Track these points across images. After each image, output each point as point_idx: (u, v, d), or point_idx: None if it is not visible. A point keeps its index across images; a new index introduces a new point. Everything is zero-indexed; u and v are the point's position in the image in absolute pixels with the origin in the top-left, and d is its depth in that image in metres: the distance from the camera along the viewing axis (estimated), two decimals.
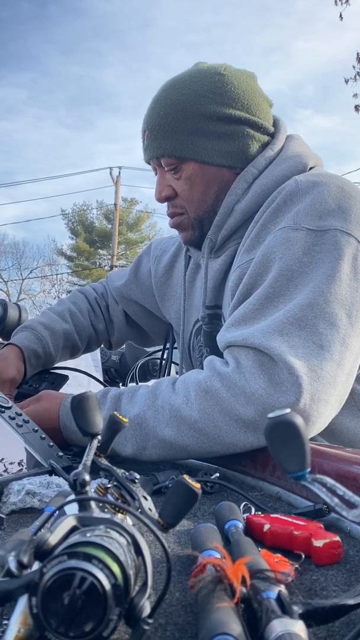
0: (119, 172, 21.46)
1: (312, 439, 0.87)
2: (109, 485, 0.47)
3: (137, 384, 1.54)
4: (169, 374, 1.40)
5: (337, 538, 0.49)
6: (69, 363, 1.37)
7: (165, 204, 1.07)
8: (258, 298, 0.85)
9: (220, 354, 0.88)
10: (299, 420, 0.38)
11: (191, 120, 0.97)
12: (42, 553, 0.32)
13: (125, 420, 0.54)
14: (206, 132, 0.98)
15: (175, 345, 1.48)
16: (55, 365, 1.32)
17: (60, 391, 1.23)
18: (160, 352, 1.53)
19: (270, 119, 1.04)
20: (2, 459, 0.73)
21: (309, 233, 0.85)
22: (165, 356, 1.44)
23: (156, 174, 1.07)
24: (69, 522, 0.35)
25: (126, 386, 1.50)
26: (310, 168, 1.00)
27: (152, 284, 1.31)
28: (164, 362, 1.44)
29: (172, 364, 1.43)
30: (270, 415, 0.38)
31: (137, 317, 1.39)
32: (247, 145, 1.00)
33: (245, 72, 1.04)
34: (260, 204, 0.97)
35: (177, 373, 1.36)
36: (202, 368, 1.03)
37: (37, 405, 0.92)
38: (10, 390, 1.09)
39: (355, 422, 0.96)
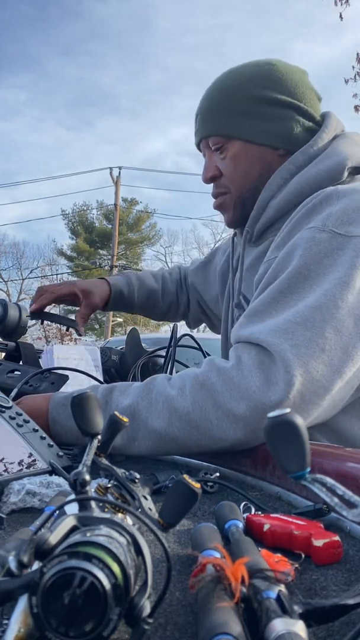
0: (119, 172, 21.47)
1: (313, 439, 0.87)
2: (109, 485, 0.47)
3: None
4: (171, 372, 1.41)
5: (337, 538, 0.49)
6: (69, 363, 1.37)
7: (211, 186, 1.12)
8: (272, 292, 0.86)
9: None
10: (299, 420, 0.38)
11: (237, 102, 1.03)
12: (42, 553, 0.32)
13: (125, 420, 0.54)
14: (251, 113, 1.02)
15: (181, 342, 1.51)
16: (56, 366, 1.32)
17: (59, 391, 1.23)
18: (159, 351, 1.53)
19: (317, 110, 1.07)
20: (2, 459, 0.73)
21: (335, 236, 0.85)
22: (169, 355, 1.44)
23: (205, 157, 1.11)
24: (69, 522, 0.35)
25: None
26: (352, 168, 0.98)
27: (217, 275, 1.39)
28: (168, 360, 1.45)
29: (173, 363, 1.43)
30: (270, 415, 0.38)
31: (199, 305, 1.51)
32: (290, 128, 1.03)
33: (296, 67, 1.08)
34: (294, 202, 0.98)
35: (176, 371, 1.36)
36: None
37: (26, 402, 0.93)
38: (89, 312, 1.31)
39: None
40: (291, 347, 0.77)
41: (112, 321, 21.29)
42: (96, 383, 1.36)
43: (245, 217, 1.09)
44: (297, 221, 0.93)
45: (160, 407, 0.82)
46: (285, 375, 0.76)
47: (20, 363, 1.37)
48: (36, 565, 0.32)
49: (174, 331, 1.37)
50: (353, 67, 9.62)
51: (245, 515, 0.57)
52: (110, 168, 21.48)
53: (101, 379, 1.64)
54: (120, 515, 0.41)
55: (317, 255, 0.84)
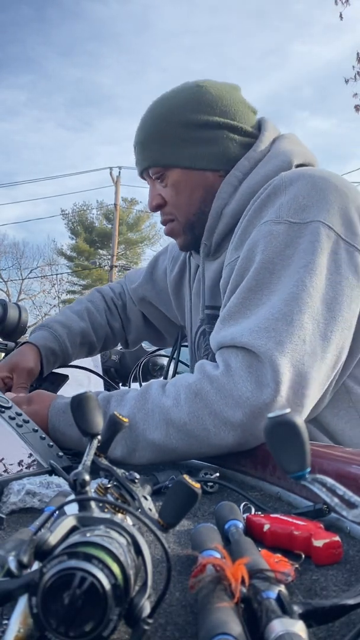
0: (119, 172, 21.47)
1: (311, 436, 0.87)
2: (109, 485, 0.47)
3: (140, 384, 1.54)
4: (174, 373, 1.41)
5: (337, 538, 0.49)
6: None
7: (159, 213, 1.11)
8: (241, 292, 0.86)
9: None
10: (299, 420, 0.38)
11: (172, 130, 1.02)
12: (42, 553, 0.32)
13: (126, 420, 0.54)
14: (187, 139, 1.02)
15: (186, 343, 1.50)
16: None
17: (60, 391, 1.23)
18: (160, 353, 1.53)
19: (252, 123, 1.07)
20: (2, 459, 0.73)
21: (291, 226, 0.87)
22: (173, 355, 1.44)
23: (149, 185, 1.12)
24: (69, 522, 0.35)
25: (128, 387, 1.51)
26: (298, 165, 1.00)
27: (167, 282, 1.33)
28: (173, 360, 1.45)
29: (178, 363, 1.43)
30: (270, 415, 0.38)
31: (153, 317, 1.42)
32: (227, 148, 1.03)
33: (227, 84, 1.08)
34: (247, 206, 0.98)
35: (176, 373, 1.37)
36: None
37: (27, 409, 0.92)
38: (27, 380, 1.14)
39: (351, 425, 0.96)
40: (276, 345, 0.78)
41: None
42: (102, 385, 1.37)
43: (198, 238, 1.09)
44: (250, 217, 0.94)
45: (156, 418, 0.82)
46: (274, 374, 0.76)
47: None
48: (36, 565, 0.32)
49: (180, 333, 1.37)
50: (353, 66, 9.62)
51: (245, 515, 0.57)
52: (110, 168, 21.49)
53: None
54: (120, 515, 0.41)
55: (278, 247, 0.86)
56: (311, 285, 0.82)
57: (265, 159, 1.01)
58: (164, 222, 1.12)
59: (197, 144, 1.02)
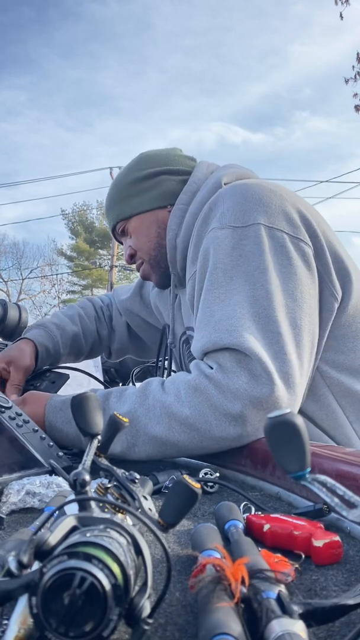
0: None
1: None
2: (109, 485, 0.47)
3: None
4: (170, 372, 1.42)
5: (337, 538, 0.49)
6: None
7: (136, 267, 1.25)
8: (203, 296, 0.93)
9: None
10: (298, 420, 0.38)
11: (123, 191, 1.22)
12: (42, 553, 0.32)
13: (126, 420, 0.54)
14: (135, 192, 1.20)
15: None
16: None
17: (60, 391, 1.23)
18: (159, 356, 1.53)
19: (191, 166, 1.21)
20: (2, 458, 0.73)
21: (235, 230, 0.94)
22: (164, 357, 1.45)
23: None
24: (69, 522, 0.35)
25: None
26: (229, 183, 1.08)
27: (150, 305, 1.42)
28: (161, 361, 1.46)
29: (167, 362, 1.44)
30: (270, 415, 0.38)
31: (139, 329, 1.49)
32: (166, 187, 1.19)
33: (166, 148, 1.28)
34: None
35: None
36: None
37: (23, 410, 0.91)
38: (23, 377, 1.17)
39: (332, 409, 0.99)
40: (255, 340, 0.82)
41: None
42: (101, 386, 1.38)
43: (167, 272, 1.20)
44: (198, 231, 1.04)
45: (158, 413, 0.84)
46: (263, 366, 0.80)
47: None
48: (36, 565, 0.32)
49: (167, 331, 1.37)
50: (353, 67, 9.62)
51: (245, 515, 0.57)
52: (110, 168, 21.46)
53: (101, 378, 1.64)
54: (120, 515, 0.41)
55: (225, 249, 0.93)
56: (269, 282, 0.88)
57: (202, 188, 1.13)
58: (137, 268, 1.26)
59: (144, 193, 1.19)
